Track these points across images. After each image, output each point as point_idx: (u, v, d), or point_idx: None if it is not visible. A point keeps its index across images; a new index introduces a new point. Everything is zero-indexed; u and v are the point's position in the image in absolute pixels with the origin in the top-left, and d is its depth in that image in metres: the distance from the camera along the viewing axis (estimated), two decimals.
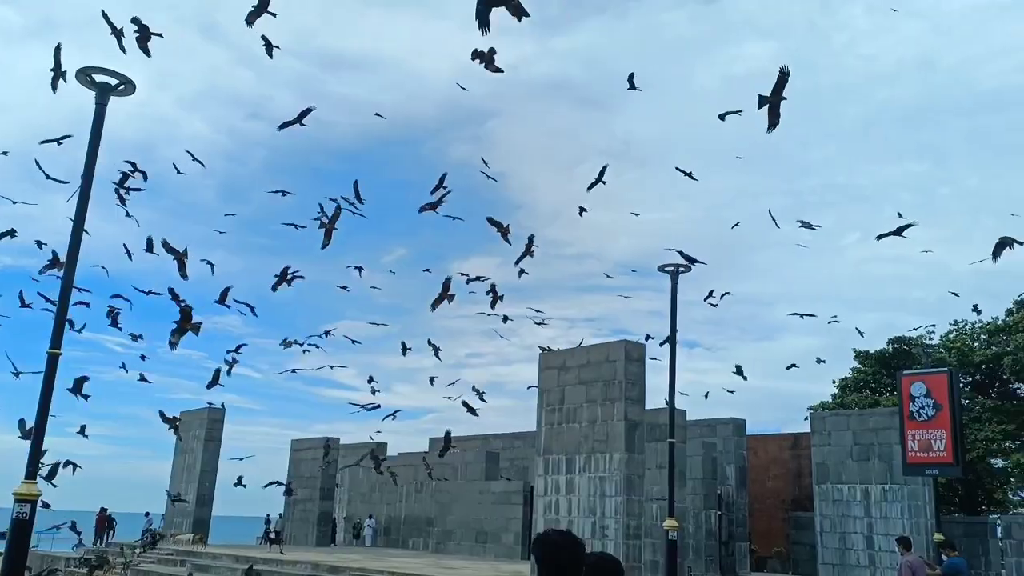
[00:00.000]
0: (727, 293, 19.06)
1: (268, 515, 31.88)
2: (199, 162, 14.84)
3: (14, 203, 14.49)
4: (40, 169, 12.73)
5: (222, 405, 30.68)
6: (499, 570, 20.81)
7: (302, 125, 12.15)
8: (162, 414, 18.18)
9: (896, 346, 32.17)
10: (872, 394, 31.81)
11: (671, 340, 16.56)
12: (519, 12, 9.20)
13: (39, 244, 14.33)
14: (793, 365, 22.27)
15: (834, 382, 34.41)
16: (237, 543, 31.58)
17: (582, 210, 15.83)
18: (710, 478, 24.54)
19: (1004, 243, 11.79)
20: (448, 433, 19.06)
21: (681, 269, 16.38)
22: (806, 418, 27.60)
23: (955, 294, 21.30)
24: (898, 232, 12.46)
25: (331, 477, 30.47)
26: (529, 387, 20.94)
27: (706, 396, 24.33)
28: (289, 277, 14.52)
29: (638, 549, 19.17)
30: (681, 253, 16.28)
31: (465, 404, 18.58)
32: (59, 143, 12.62)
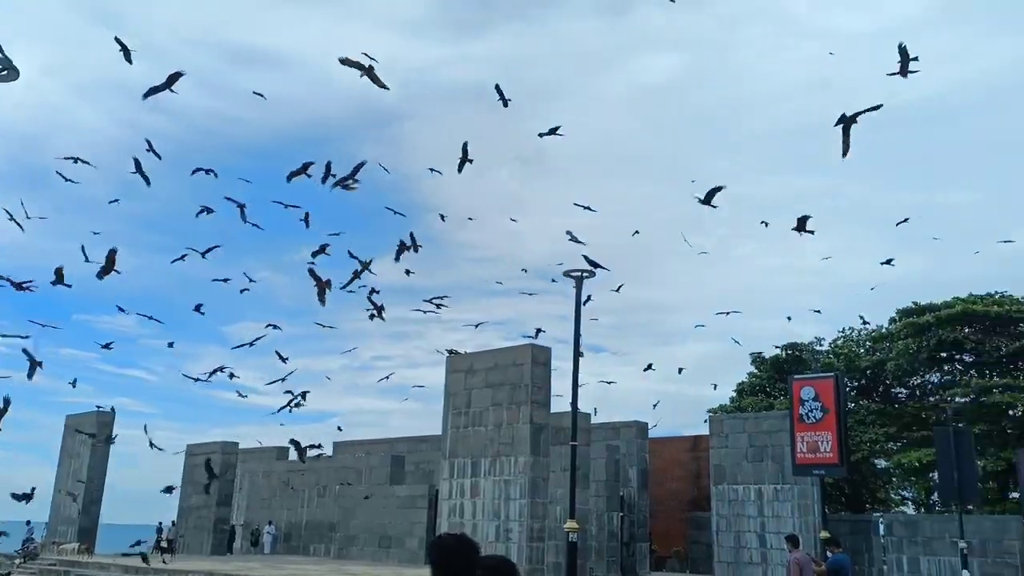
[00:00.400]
0: (620, 286, 19.50)
1: (160, 523, 30.52)
2: (156, 154, 13.70)
3: None
4: None
5: (112, 408, 29.19)
6: (401, 575, 20.57)
7: (172, 92, 11.34)
8: (14, 495, 16.62)
9: (789, 352, 33.59)
10: (767, 397, 33.09)
11: (575, 344, 16.77)
12: (379, 84, 10.23)
13: None
14: (650, 367, 23.08)
15: (714, 386, 35.67)
16: (127, 552, 30.10)
17: (442, 217, 15.91)
18: (613, 480, 24.97)
19: (716, 190, 12.84)
20: (293, 440, 18.59)
21: (585, 274, 16.59)
22: (705, 421, 28.50)
23: (817, 311, 22.66)
24: (709, 197, 13.01)
25: (228, 483, 29.45)
26: (414, 386, 20.91)
27: (655, 406, 25.03)
28: (118, 268, 13.25)
29: (541, 551, 19.32)
30: (585, 258, 16.50)
31: (294, 443, 18.30)
32: None
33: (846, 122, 10.63)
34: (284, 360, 17.22)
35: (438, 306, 18.51)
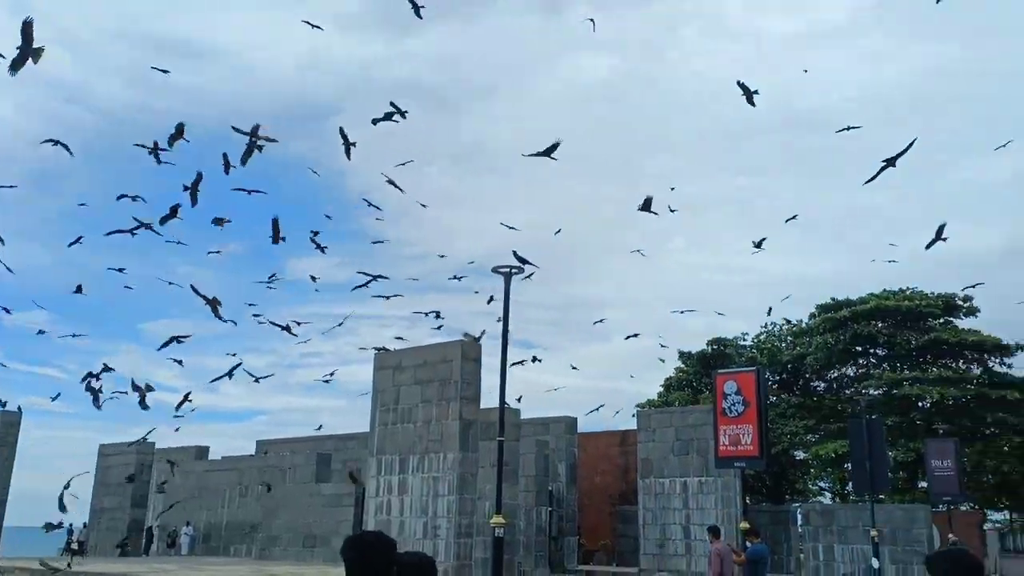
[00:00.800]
0: (530, 274, 19.53)
1: (71, 524, 29.17)
2: (157, 158, 12.43)
3: None
4: None
5: (18, 407, 27.68)
6: (327, 574, 20.14)
7: (31, 51, 9.77)
8: None
9: (715, 347, 34.35)
10: (694, 392, 33.79)
11: (503, 340, 16.68)
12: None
13: None
14: (535, 359, 23.44)
15: (631, 376, 36.20)
16: (34, 555, 28.67)
17: (328, 216, 15.74)
18: (542, 475, 25.03)
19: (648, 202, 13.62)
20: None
21: (514, 271, 16.51)
22: (634, 415, 28.91)
23: (720, 314, 23.74)
24: (548, 152, 13.23)
25: (144, 483, 28.36)
26: (326, 380, 20.69)
27: (616, 412, 25.44)
28: None
29: (470, 547, 19.18)
30: (515, 254, 16.43)
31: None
32: None
33: (888, 163, 11.18)
34: (179, 363, 16.45)
35: (375, 277, 18.10)
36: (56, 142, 12.74)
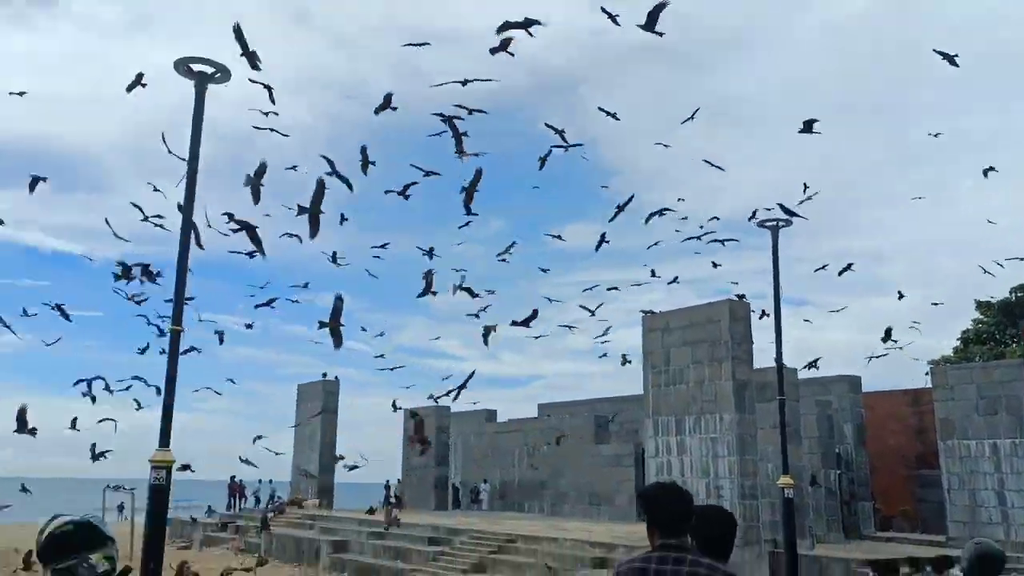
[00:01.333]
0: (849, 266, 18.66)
1: (388, 481, 33.30)
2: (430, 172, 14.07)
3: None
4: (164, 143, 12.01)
5: (336, 378, 32.22)
6: (613, 531, 21.12)
7: (251, 54, 10.64)
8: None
9: (1020, 294, 30.38)
10: (996, 345, 30.21)
11: (775, 297, 16.21)
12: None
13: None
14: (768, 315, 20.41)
15: (918, 329, 32.64)
16: (360, 508, 33.18)
17: (536, 187, 15.55)
18: (827, 436, 23.93)
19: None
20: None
21: (781, 224, 15.93)
22: (926, 373, 26.57)
23: (1001, 264, 19.45)
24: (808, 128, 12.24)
25: (444, 444, 31.54)
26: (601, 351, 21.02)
27: (927, 372, 24.05)
28: None
29: (755, 508, 19.05)
30: (781, 206, 15.84)
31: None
32: None
33: None
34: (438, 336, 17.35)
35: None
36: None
